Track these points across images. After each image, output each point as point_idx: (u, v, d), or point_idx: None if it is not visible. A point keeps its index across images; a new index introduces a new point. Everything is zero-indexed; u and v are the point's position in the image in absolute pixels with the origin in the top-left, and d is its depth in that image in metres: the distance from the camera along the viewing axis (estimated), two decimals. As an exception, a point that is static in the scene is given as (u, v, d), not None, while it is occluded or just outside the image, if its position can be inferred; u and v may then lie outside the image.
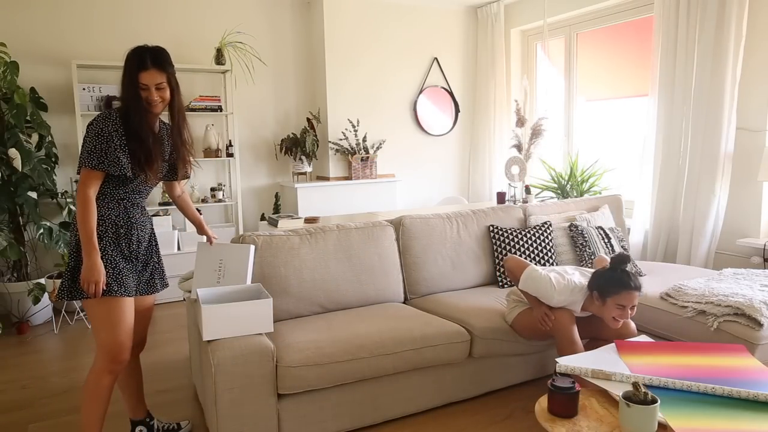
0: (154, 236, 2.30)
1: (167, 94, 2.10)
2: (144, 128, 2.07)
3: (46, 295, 3.92)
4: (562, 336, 2.38)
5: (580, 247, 3.30)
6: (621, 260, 2.31)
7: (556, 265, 2.65)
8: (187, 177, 2.36)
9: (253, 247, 2.51)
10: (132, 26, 4.58)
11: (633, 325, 2.51)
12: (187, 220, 4.64)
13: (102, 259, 2.03)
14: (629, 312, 2.28)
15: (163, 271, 2.34)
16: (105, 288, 2.01)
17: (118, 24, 4.55)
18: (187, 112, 4.88)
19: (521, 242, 3.25)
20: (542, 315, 2.42)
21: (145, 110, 2.06)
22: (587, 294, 2.39)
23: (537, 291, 2.44)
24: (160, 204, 4.65)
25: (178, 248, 4.60)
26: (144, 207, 2.24)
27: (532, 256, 3.23)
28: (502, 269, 3.23)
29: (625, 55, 4.73)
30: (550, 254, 3.26)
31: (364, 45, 5.24)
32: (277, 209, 5.15)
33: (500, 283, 3.21)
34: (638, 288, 2.26)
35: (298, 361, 2.20)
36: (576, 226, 3.36)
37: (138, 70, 2.03)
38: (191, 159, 2.29)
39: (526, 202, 4.32)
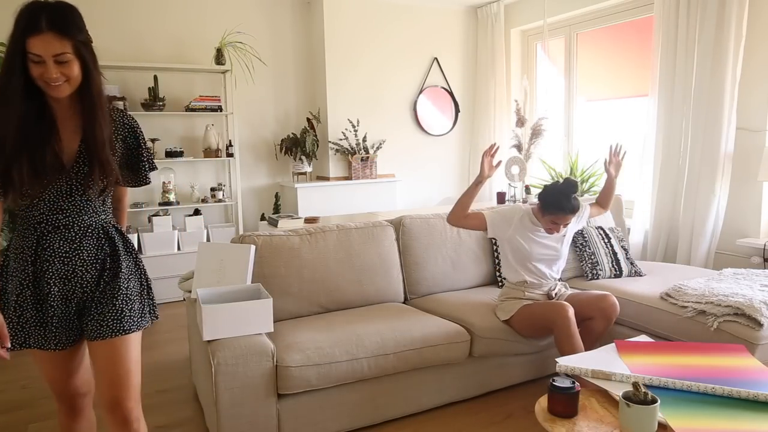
0: (113, 264, 1.63)
1: (74, 70, 1.46)
2: (20, 120, 1.47)
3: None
4: (560, 330, 2.41)
5: (580, 247, 3.30)
6: (569, 187, 2.55)
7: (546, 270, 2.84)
8: (135, 184, 1.74)
9: (253, 247, 2.51)
10: (132, 26, 4.58)
11: (614, 298, 2.58)
12: (186, 221, 4.66)
13: (7, 305, 1.58)
14: (561, 228, 2.59)
15: (130, 310, 1.63)
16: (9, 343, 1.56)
17: (118, 24, 4.54)
18: (186, 112, 4.92)
19: (521, 242, 3.25)
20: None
21: (32, 94, 1.48)
22: (534, 205, 2.68)
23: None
24: (160, 204, 4.65)
25: (178, 248, 4.60)
26: (80, 227, 1.58)
27: (532, 256, 3.23)
28: (501, 270, 3.23)
29: (625, 55, 4.73)
30: (550, 254, 3.26)
31: (364, 45, 5.24)
32: (277, 209, 5.15)
33: (500, 284, 3.21)
34: (573, 211, 2.52)
35: (298, 361, 2.20)
36: (576, 226, 3.36)
37: (26, 34, 1.41)
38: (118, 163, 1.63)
39: (526, 201, 4.33)
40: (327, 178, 5.19)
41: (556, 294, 2.73)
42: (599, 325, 2.55)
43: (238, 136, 5.03)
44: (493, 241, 3.26)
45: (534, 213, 2.69)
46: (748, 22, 3.59)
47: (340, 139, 5.18)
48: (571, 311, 2.44)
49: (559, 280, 2.80)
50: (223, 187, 4.95)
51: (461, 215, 2.61)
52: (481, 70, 5.76)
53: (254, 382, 2.13)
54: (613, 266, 3.23)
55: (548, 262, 2.71)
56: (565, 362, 1.96)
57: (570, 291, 2.79)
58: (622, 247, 3.34)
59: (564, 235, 2.73)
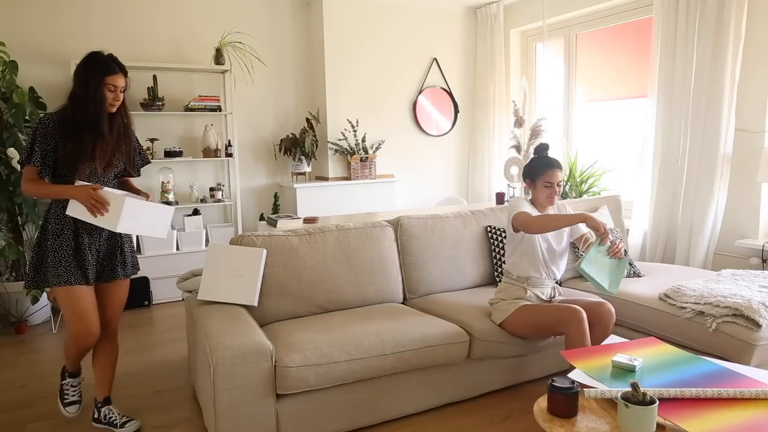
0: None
1: None
2: None
3: (44, 295, 3.92)
4: (575, 334, 2.39)
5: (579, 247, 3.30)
6: (540, 148, 2.68)
7: (552, 266, 2.78)
8: None
9: (265, 251, 2.50)
10: (131, 26, 4.58)
11: (610, 305, 2.55)
12: (185, 220, 4.65)
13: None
14: (557, 189, 2.60)
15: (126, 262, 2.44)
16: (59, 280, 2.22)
17: (118, 24, 4.54)
18: (186, 112, 4.96)
19: (520, 243, 3.24)
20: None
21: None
22: (527, 193, 2.70)
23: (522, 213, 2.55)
24: (161, 202, 4.64)
25: (177, 248, 4.60)
26: None
27: (531, 256, 3.23)
28: (500, 269, 3.23)
29: (624, 56, 4.74)
30: (549, 255, 3.26)
31: (363, 45, 5.24)
32: (276, 209, 5.15)
33: (498, 282, 3.20)
34: (559, 165, 2.60)
35: (296, 362, 2.20)
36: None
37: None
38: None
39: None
40: (326, 179, 5.19)
41: (555, 300, 2.73)
42: (596, 332, 2.53)
43: (238, 136, 5.03)
44: (491, 241, 3.26)
45: (529, 200, 2.72)
46: (747, 23, 3.59)
47: (340, 140, 5.18)
48: (584, 314, 2.42)
49: (556, 286, 2.79)
50: (222, 187, 4.94)
51: (546, 228, 2.50)
52: (481, 70, 5.76)
53: (253, 383, 2.13)
54: (611, 267, 3.23)
55: (551, 250, 2.68)
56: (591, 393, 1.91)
57: (562, 297, 2.79)
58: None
59: (564, 231, 2.73)
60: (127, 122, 2.38)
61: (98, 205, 2.15)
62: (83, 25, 4.44)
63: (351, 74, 5.21)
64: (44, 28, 4.34)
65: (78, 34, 4.43)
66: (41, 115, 2.29)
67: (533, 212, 2.63)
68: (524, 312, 2.57)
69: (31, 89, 4.20)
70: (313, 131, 5.03)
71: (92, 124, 2.23)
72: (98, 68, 2.22)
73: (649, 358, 2.02)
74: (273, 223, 3.75)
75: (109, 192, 2.21)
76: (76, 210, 2.19)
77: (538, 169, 2.63)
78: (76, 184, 2.22)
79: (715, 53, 3.66)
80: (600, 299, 2.62)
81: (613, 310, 2.55)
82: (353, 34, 5.18)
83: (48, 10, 4.33)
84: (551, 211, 2.76)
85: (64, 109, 2.25)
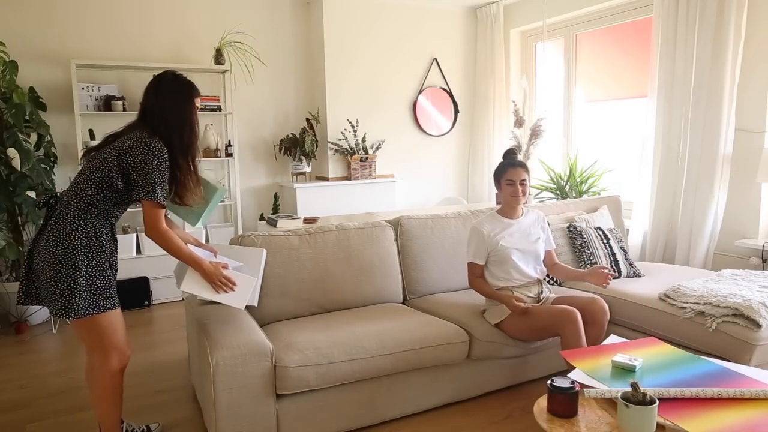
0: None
1: None
2: None
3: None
4: (571, 335, 2.39)
5: (579, 247, 3.30)
6: (508, 152, 2.79)
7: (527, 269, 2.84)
8: None
9: (265, 251, 2.50)
10: (132, 26, 4.58)
11: (602, 302, 2.57)
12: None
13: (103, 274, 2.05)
14: (520, 189, 2.67)
15: None
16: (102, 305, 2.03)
17: (118, 24, 4.54)
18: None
19: (520, 243, 3.24)
20: (516, 307, 2.53)
21: None
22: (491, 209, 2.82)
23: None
24: (159, 204, 4.64)
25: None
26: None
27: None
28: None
29: (624, 56, 4.74)
30: (549, 255, 3.26)
31: (363, 45, 5.24)
32: (276, 209, 5.15)
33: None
34: (520, 165, 2.68)
35: (296, 362, 2.20)
36: (575, 227, 3.37)
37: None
38: None
39: (526, 202, 4.33)
40: (326, 179, 5.19)
41: (544, 299, 2.74)
42: (592, 331, 2.53)
43: (238, 136, 5.03)
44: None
45: (494, 212, 2.82)
46: (747, 23, 3.60)
47: (340, 140, 5.18)
48: (579, 315, 2.42)
49: (542, 282, 2.79)
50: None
51: (483, 293, 2.71)
52: (481, 70, 5.76)
53: (253, 383, 2.13)
54: (612, 267, 3.24)
55: (525, 256, 2.70)
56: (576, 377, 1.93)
57: (554, 295, 2.79)
58: (621, 247, 3.35)
59: (538, 237, 2.77)
60: None
61: (229, 285, 2.15)
62: (83, 25, 4.44)
63: (351, 74, 5.21)
64: (44, 28, 4.34)
65: (78, 34, 4.43)
66: (150, 141, 1.99)
67: (479, 252, 2.70)
68: (519, 314, 2.57)
69: (31, 89, 4.20)
70: (313, 131, 5.03)
71: (187, 151, 2.10)
72: (190, 90, 2.10)
73: (649, 358, 2.02)
74: (273, 223, 3.75)
75: (232, 270, 2.20)
76: (193, 285, 2.12)
77: (501, 169, 2.72)
78: (204, 259, 2.14)
79: (715, 53, 3.66)
80: (593, 296, 2.63)
81: (606, 306, 2.57)
82: (353, 34, 5.18)
83: (48, 10, 4.33)
84: (520, 210, 2.80)
85: (157, 135, 2.03)
